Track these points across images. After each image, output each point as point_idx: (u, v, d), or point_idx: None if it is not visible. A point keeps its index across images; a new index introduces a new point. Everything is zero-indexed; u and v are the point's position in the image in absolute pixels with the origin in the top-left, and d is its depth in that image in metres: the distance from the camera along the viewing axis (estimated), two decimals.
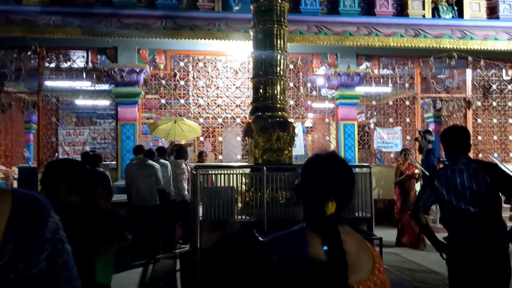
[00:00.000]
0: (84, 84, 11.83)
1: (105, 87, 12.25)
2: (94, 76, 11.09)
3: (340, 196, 1.60)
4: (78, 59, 11.44)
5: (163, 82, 11.37)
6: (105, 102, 13.70)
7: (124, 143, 10.87)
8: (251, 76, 7.81)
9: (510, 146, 12.66)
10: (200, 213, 6.50)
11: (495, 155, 12.42)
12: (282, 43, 7.48)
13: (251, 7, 7.64)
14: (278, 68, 7.48)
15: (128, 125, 10.91)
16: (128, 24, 10.42)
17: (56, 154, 11.13)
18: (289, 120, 7.57)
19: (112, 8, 10.88)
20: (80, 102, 12.97)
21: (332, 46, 11.14)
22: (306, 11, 11.55)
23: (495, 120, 12.71)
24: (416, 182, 9.23)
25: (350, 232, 1.63)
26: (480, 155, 12.62)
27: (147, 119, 13.04)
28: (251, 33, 7.66)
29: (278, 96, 7.48)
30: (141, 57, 10.98)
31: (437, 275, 6.90)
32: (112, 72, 10.69)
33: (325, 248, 1.50)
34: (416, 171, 9.19)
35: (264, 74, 7.47)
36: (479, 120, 12.67)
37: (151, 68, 11.34)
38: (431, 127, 14.57)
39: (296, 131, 8.17)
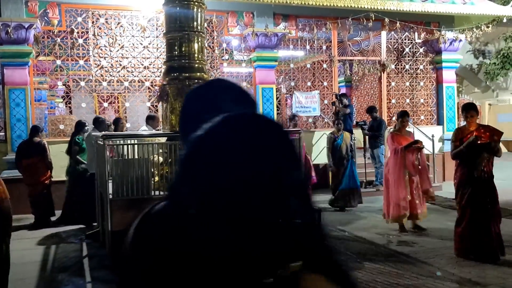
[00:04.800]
0: None
1: None
2: None
3: None
4: None
5: (58, 40, 9.90)
6: None
7: (14, 110, 9.38)
8: (164, 32, 6.86)
9: (421, 109, 12.90)
10: (110, 190, 5.58)
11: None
12: None
13: None
14: (195, 23, 6.63)
15: (18, 89, 9.39)
16: None
17: None
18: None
19: None
20: None
21: (248, 3, 10.37)
22: None
23: (407, 83, 12.84)
24: (495, 153, 5.61)
25: None
26: (394, 118, 12.71)
27: (40, 83, 11.48)
28: None
29: (196, 55, 6.66)
30: (30, 11, 9.42)
31: (367, 243, 6.66)
32: None
33: None
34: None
35: (179, 30, 6.58)
36: (393, 83, 12.72)
37: (43, 23, 9.82)
38: (342, 91, 14.50)
39: None
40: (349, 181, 8.92)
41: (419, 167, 6.98)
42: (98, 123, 8.39)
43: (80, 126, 8.52)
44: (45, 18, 9.81)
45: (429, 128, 12.29)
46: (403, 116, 7.22)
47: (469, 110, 5.77)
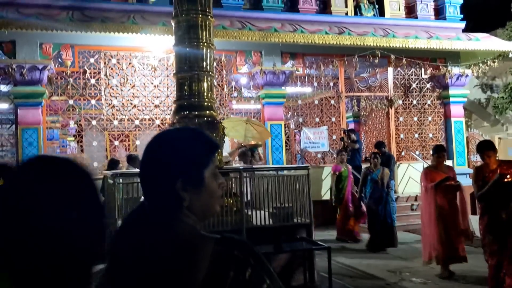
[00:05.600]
0: None
1: (3, 87, 10.76)
2: None
3: None
4: None
5: (71, 80, 10.15)
6: (3, 105, 12.12)
7: (26, 150, 9.54)
8: (174, 72, 7.02)
9: (430, 143, 12.89)
10: None
11: (417, 152, 12.59)
12: (207, 35, 6.77)
13: None
14: (204, 63, 6.76)
15: (30, 129, 9.58)
16: (28, 14, 9.14)
17: None
18: (217, 119, 6.87)
19: None
20: None
21: (256, 43, 10.60)
22: (228, 6, 11.01)
23: (415, 118, 12.89)
24: None
25: None
26: (403, 153, 12.73)
27: (53, 122, 11.69)
28: (173, 24, 6.87)
29: (205, 94, 6.76)
30: (44, 53, 9.72)
31: (379, 280, 6.56)
32: (10, 70, 9.35)
33: None
34: None
35: (189, 69, 6.72)
36: (400, 119, 12.78)
37: (57, 65, 10.10)
38: (351, 127, 14.56)
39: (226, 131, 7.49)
40: (385, 220, 8.42)
41: (458, 205, 6.40)
42: (132, 160, 8.41)
43: (114, 164, 8.43)
44: (59, 59, 10.09)
45: None
46: (438, 151, 6.66)
47: (484, 150, 5.27)
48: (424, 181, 6.56)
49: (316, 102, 12.24)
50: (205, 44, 6.71)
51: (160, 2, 10.50)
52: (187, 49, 6.70)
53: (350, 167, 9.79)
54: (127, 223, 1.26)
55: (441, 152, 6.67)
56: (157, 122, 10.56)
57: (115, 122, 10.40)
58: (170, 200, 1.20)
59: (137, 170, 7.69)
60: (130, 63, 10.41)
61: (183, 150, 1.23)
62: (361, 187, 8.89)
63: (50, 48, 9.73)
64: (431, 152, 12.67)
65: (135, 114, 10.49)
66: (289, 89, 11.80)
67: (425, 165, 11.05)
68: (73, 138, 13.58)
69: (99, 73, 10.29)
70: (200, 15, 6.65)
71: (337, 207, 9.72)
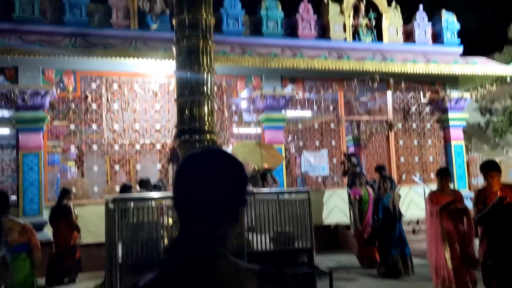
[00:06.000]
0: None
1: (4, 112, 10.83)
2: None
3: None
4: None
5: (72, 105, 10.21)
6: (4, 131, 12.19)
7: (27, 175, 9.53)
8: (176, 96, 7.08)
9: (431, 166, 12.89)
10: (120, 254, 5.56)
11: (417, 175, 12.57)
12: (208, 60, 6.86)
13: (174, 21, 6.98)
14: (205, 88, 6.83)
15: (31, 154, 9.59)
16: (31, 41, 9.27)
17: None
18: (218, 143, 6.91)
19: (12, 23, 9.75)
20: None
21: (256, 68, 10.70)
22: (229, 32, 11.16)
23: (415, 142, 12.92)
24: None
25: None
26: (404, 176, 12.72)
27: (54, 147, 11.71)
28: (174, 49, 6.97)
29: (206, 118, 6.80)
30: (46, 78, 9.80)
31: None
32: (12, 95, 9.42)
33: None
34: None
35: (190, 94, 6.78)
36: (400, 142, 12.81)
37: (59, 90, 10.18)
38: (351, 150, 14.57)
39: None
40: (399, 246, 8.11)
41: (464, 230, 6.08)
42: (144, 183, 8.47)
43: (127, 189, 8.39)
44: (61, 84, 10.17)
45: None
46: (442, 174, 6.34)
47: (488, 170, 5.17)
48: (429, 204, 6.27)
49: (316, 126, 12.29)
50: (206, 69, 6.79)
51: (161, 28, 10.65)
52: (188, 74, 6.77)
53: (370, 190, 9.56)
54: (172, 257, 1.25)
55: (445, 175, 6.35)
56: (158, 146, 10.59)
57: (116, 147, 10.42)
58: (231, 223, 1.25)
59: (139, 194, 7.70)
60: (131, 88, 10.49)
61: (241, 174, 1.28)
62: (373, 213, 8.61)
63: (52, 74, 9.82)
64: (431, 175, 12.78)
65: (136, 139, 10.52)
66: (289, 113, 11.85)
67: (426, 189, 11.02)
68: (74, 163, 13.59)
69: (101, 98, 10.36)
70: (201, 41, 6.75)
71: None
